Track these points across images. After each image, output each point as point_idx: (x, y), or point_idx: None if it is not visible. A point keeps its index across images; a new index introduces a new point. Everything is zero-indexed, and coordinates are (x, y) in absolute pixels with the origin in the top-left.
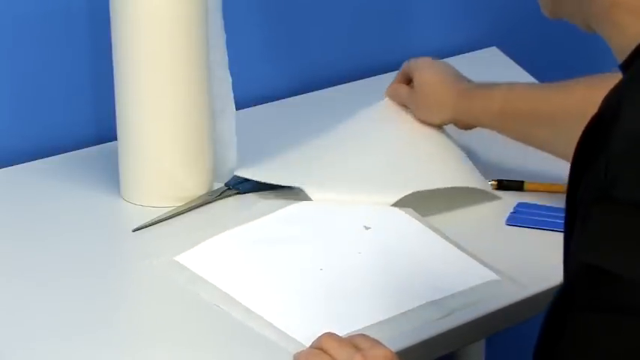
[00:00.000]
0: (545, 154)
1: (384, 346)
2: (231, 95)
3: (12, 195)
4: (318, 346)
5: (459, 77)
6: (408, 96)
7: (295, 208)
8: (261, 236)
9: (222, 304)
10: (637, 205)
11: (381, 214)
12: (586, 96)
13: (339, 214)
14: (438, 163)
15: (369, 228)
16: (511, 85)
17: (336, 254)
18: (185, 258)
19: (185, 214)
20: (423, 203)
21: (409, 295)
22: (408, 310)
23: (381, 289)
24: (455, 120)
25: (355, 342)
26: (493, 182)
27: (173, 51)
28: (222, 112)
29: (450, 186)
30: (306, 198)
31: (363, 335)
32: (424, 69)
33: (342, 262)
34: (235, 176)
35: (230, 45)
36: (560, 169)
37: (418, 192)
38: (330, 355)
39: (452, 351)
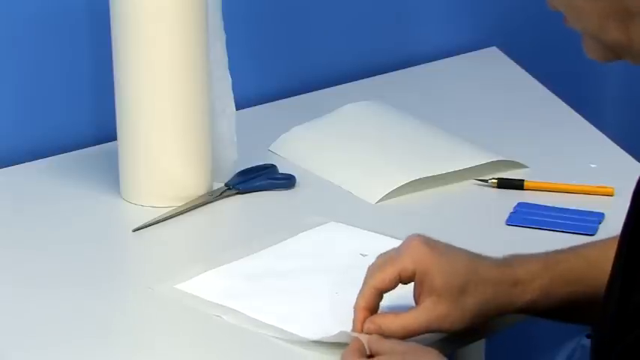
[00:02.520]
0: (546, 151)
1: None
2: (231, 95)
3: (12, 195)
4: (371, 349)
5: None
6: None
7: (286, 244)
8: (262, 269)
9: (247, 324)
10: None
11: (373, 241)
12: None
13: (332, 246)
14: (442, 148)
15: (366, 255)
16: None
17: (346, 279)
18: (187, 286)
19: (185, 214)
20: (423, 201)
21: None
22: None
23: (397, 301)
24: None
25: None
26: (493, 181)
27: (173, 51)
28: (222, 112)
29: (464, 167)
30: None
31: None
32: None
33: (354, 285)
34: (235, 176)
35: (230, 45)
36: (561, 167)
37: (418, 187)
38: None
39: (452, 351)
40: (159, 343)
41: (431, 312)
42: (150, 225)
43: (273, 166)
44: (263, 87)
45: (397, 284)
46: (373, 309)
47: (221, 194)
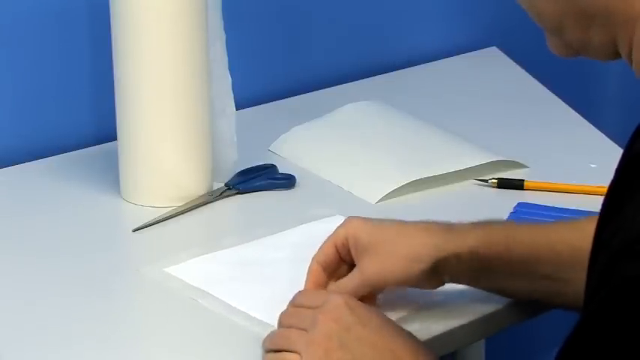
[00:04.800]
0: (546, 151)
1: (336, 293)
2: (231, 95)
3: (12, 195)
4: (281, 326)
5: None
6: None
7: (283, 235)
8: (253, 257)
9: (222, 310)
10: None
11: None
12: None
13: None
14: (441, 148)
15: None
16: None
17: None
18: (176, 270)
19: (185, 214)
20: (423, 201)
21: (408, 299)
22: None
23: (382, 297)
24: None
25: (307, 304)
26: (493, 181)
27: (173, 51)
28: (222, 111)
29: (463, 167)
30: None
31: (307, 293)
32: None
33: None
34: (235, 176)
35: (230, 45)
36: (561, 167)
37: (418, 187)
38: (295, 329)
39: (452, 351)
40: (160, 342)
41: (364, 268)
42: (150, 225)
43: (273, 166)
44: (263, 87)
45: (336, 255)
46: (322, 285)
47: (221, 194)
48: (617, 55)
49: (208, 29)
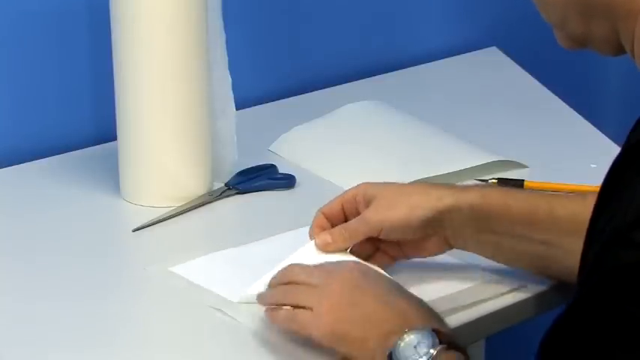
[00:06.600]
0: (546, 151)
1: (345, 262)
2: (231, 95)
3: (12, 195)
4: (288, 279)
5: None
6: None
7: (286, 236)
8: (255, 257)
9: (225, 309)
10: None
11: None
12: None
13: None
14: (441, 149)
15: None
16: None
17: None
18: (180, 269)
19: (185, 214)
20: None
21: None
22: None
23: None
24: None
25: (319, 267)
26: (493, 181)
27: (173, 51)
28: (222, 112)
29: (464, 167)
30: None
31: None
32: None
33: None
34: (235, 176)
35: (230, 45)
36: (561, 167)
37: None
38: (306, 285)
39: None
40: (161, 342)
41: (366, 213)
42: (150, 225)
43: (273, 166)
44: (263, 87)
45: (341, 211)
46: (324, 229)
47: (221, 194)
48: (620, 49)
49: (208, 30)
